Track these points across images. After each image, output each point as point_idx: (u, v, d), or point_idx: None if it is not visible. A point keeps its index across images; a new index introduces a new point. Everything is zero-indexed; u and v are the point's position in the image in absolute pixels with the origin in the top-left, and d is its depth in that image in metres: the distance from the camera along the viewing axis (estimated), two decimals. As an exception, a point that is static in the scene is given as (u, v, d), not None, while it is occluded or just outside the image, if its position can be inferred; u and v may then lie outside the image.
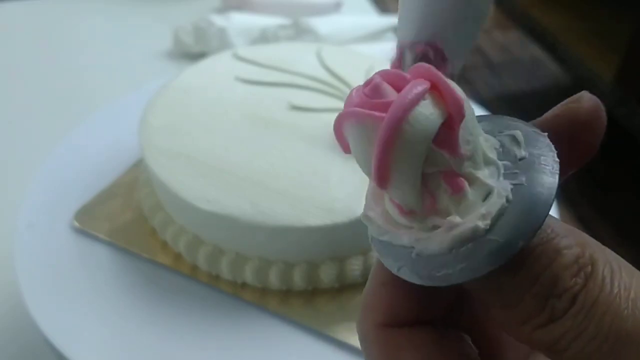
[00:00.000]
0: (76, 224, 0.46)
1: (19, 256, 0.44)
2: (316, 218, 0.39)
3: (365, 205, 0.19)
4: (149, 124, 0.46)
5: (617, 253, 0.17)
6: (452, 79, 0.17)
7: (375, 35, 0.89)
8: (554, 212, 0.49)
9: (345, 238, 0.41)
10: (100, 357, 0.39)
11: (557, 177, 0.16)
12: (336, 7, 0.95)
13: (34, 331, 0.41)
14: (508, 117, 0.19)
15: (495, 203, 0.16)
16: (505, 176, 0.17)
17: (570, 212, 1.54)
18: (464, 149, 0.16)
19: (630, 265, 0.17)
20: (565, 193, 1.57)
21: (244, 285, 0.42)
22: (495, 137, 0.18)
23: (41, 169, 0.51)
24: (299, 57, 0.54)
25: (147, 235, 0.46)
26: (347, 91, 0.50)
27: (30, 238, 0.46)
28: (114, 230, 0.46)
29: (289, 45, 0.58)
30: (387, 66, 0.51)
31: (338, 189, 0.41)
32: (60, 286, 0.43)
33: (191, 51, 0.85)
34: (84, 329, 0.40)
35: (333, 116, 0.49)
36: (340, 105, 0.48)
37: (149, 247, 0.45)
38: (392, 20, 0.91)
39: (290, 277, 0.41)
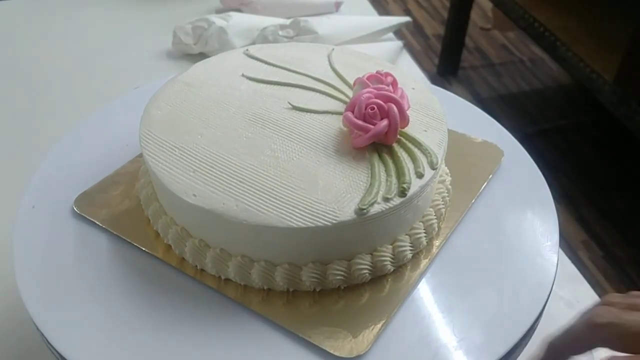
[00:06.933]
0: (75, 209, 0.47)
1: (17, 238, 0.45)
2: (299, 220, 0.39)
3: None
4: (150, 115, 0.47)
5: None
6: None
7: (375, 35, 0.89)
8: (555, 212, 0.49)
9: (328, 242, 0.41)
10: (84, 342, 0.40)
11: None
12: (336, 7, 0.95)
13: (23, 311, 0.41)
14: None
15: None
16: None
17: (570, 212, 1.54)
18: None
19: None
20: (566, 193, 1.57)
21: (227, 281, 0.43)
22: None
23: (49, 156, 0.52)
24: (309, 58, 0.54)
25: (143, 224, 0.46)
26: (351, 94, 0.50)
27: (31, 219, 0.47)
28: (111, 217, 0.47)
29: (301, 45, 0.58)
30: (389, 68, 0.51)
31: (324, 193, 0.41)
32: (53, 269, 0.43)
33: (190, 51, 0.85)
34: (72, 313, 0.41)
35: (331, 119, 0.50)
36: (341, 107, 0.49)
37: (143, 237, 0.45)
38: (391, 20, 0.91)
39: (272, 277, 0.41)
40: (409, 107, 0.45)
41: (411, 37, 2.13)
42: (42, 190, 0.49)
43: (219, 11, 0.93)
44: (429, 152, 0.44)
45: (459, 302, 0.42)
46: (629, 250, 1.45)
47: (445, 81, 1.94)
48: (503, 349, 0.39)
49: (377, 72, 0.46)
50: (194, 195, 0.41)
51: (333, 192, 0.41)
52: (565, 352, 0.35)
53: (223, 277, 0.43)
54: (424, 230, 0.44)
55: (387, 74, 0.46)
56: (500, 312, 0.41)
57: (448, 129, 0.47)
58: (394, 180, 0.42)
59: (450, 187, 0.48)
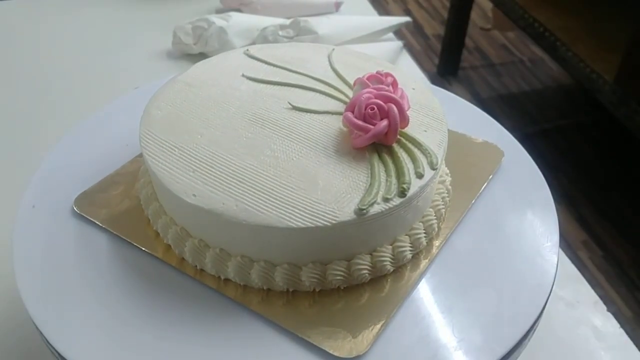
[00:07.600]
0: (75, 208, 0.47)
1: (17, 238, 0.45)
2: (298, 220, 0.39)
3: None
4: (150, 115, 0.47)
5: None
6: None
7: (375, 35, 0.89)
8: (555, 212, 0.49)
9: (328, 242, 0.41)
10: (84, 342, 0.40)
11: None
12: (336, 7, 0.95)
13: (23, 311, 0.41)
14: None
15: None
16: None
17: (570, 212, 1.54)
18: None
19: None
20: (566, 193, 1.57)
21: (227, 281, 0.43)
22: None
23: (49, 156, 0.52)
24: (309, 58, 0.54)
25: (143, 224, 0.46)
26: (351, 94, 0.50)
27: (31, 219, 0.47)
28: (111, 217, 0.47)
29: (301, 45, 0.58)
30: (389, 68, 0.51)
31: (324, 193, 0.41)
32: (53, 269, 0.44)
33: (190, 51, 0.85)
34: (72, 313, 0.41)
35: (331, 119, 0.50)
36: (341, 107, 0.49)
37: (143, 237, 0.45)
38: (391, 20, 0.91)
39: (271, 277, 0.41)
40: (409, 108, 0.45)
41: (411, 37, 2.13)
42: (42, 190, 0.49)
43: (219, 11, 0.93)
44: (429, 153, 0.44)
45: (459, 303, 0.42)
46: (629, 250, 1.45)
47: (445, 81, 1.94)
48: (503, 350, 0.39)
49: (377, 72, 0.47)
50: (194, 195, 0.41)
51: (333, 192, 0.41)
52: None
53: (223, 277, 0.43)
54: (423, 231, 0.44)
55: (387, 74, 0.46)
56: (500, 312, 0.41)
57: (448, 129, 0.47)
58: (393, 180, 0.42)
59: (450, 187, 0.48)
